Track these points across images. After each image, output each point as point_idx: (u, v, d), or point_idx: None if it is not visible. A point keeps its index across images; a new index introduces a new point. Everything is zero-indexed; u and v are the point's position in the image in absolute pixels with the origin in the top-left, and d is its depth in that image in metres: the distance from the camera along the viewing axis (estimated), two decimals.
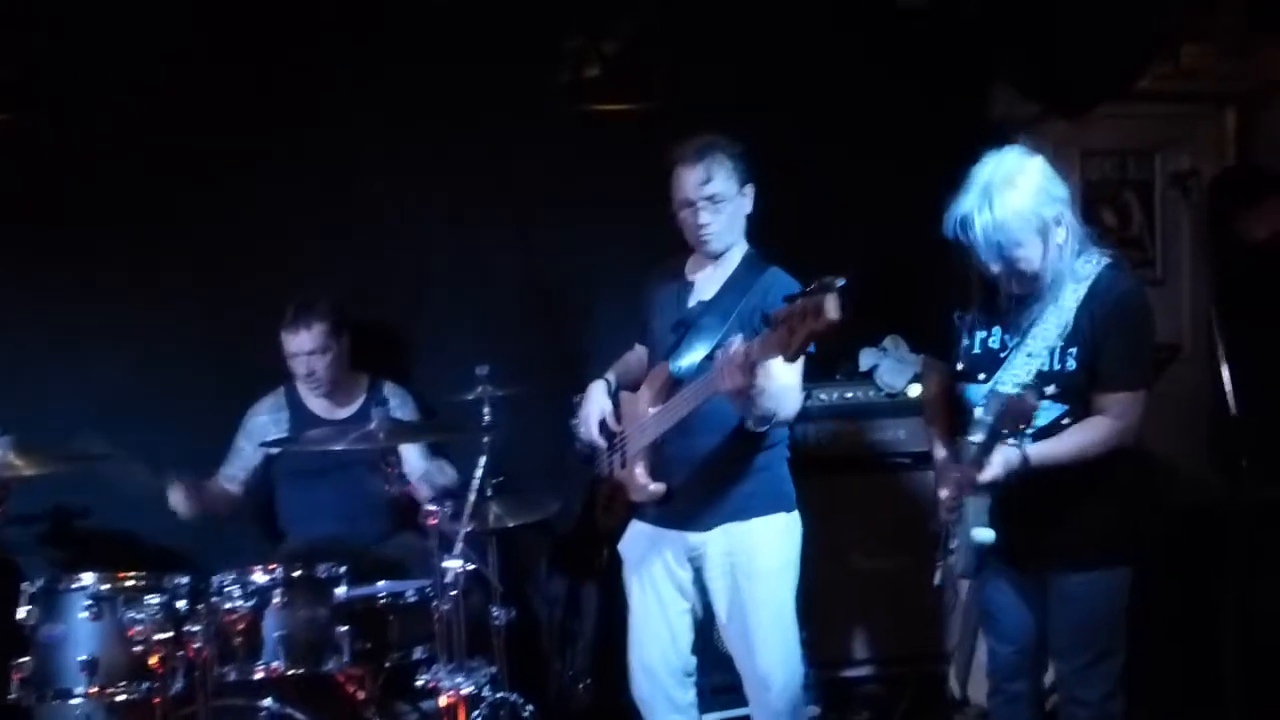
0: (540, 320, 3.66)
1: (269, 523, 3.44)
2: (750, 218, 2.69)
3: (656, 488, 2.61)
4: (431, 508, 2.59)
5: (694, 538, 2.64)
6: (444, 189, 3.63)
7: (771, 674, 2.63)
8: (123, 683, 2.46)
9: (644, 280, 2.85)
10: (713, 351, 2.54)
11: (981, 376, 2.41)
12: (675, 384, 2.59)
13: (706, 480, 2.59)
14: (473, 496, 2.73)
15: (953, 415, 2.55)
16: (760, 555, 2.61)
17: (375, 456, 2.83)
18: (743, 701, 2.82)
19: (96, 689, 2.44)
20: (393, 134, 3.60)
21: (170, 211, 3.52)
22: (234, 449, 3.37)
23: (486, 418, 2.82)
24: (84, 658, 2.43)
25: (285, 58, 3.51)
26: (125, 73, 3.44)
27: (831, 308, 2.00)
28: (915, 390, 3.42)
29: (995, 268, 2.29)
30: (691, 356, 2.59)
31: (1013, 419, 2.19)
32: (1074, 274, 2.31)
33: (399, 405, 3.32)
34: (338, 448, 2.66)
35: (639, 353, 2.87)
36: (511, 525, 2.92)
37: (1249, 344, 2.66)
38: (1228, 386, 2.51)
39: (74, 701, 2.48)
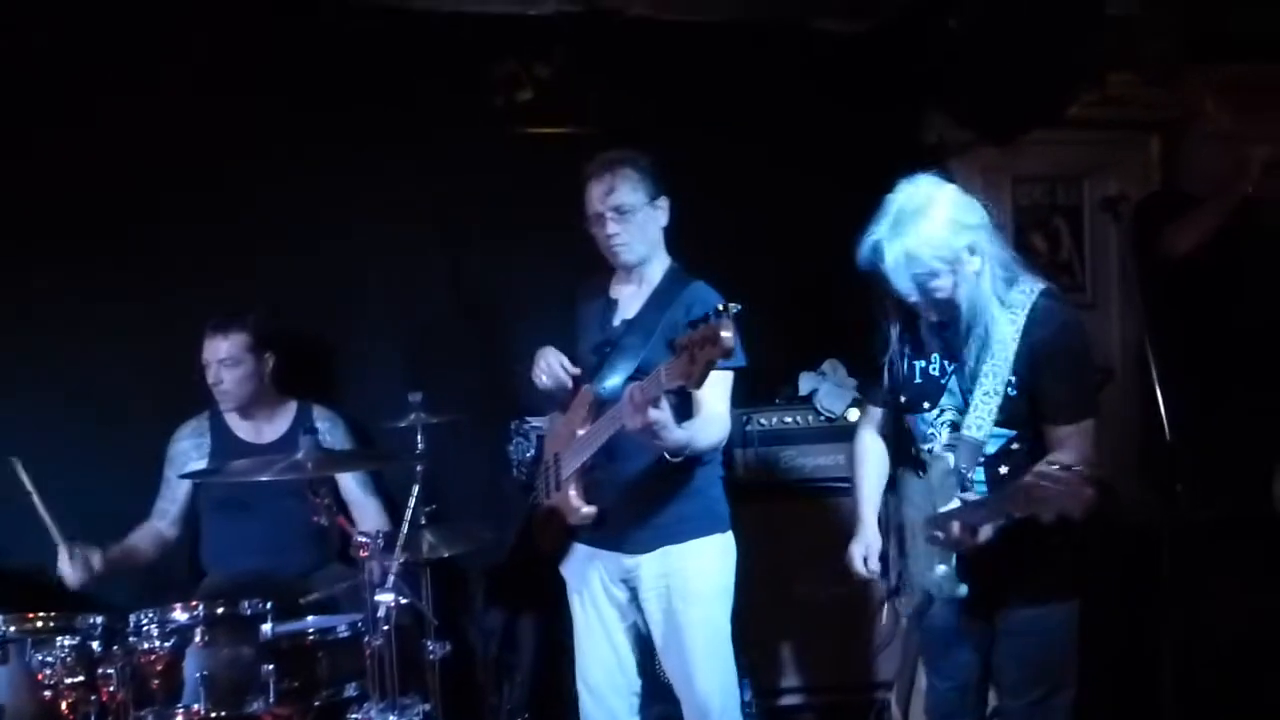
0: (474, 346, 3.60)
1: (191, 558, 3.31)
2: (669, 232, 2.69)
3: (588, 511, 2.58)
4: (363, 539, 2.51)
5: (628, 560, 2.62)
6: (377, 212, 3.55)
7: (710, 698, 2.60)
8: None
9: (571, 297, 2.83)
10: (634, 372, 2.54)
11: (926, 405, 2.40)
12: (600, 405, 2.58)
13: (637, 503, 2.58)
14: (405, 527, 2.65)
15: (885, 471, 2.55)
16: (696, 577, 2.59)
17: (304, 486, 2.73)
18: None
19: None
20: (324, 156, 3.51)
21: (102, 234, 3.41)
22: (163, 481, 3.25)
23: (420, 445, 2.75)
24: None
25: (211, 84, 3.43)
26: (67, 94, 3.34)
27: (727, 335, 2.02)
28: (854, 414, 3.42)
29: (911, 296, 2.28)
30: (614, 378, 2.58)
31: (1027, 502, 2.13)
32: (1006, 301, 2.29)
33: (329, 430, 3.24)
34: (263, 479, 2.55)
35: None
36: (446, 555, 2.84)
37: (1181, 366, 2.70)
38: (1162, 410, 2.53)
39: None
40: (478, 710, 3.35)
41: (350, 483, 3.25)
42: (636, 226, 2.61)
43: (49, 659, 2.32)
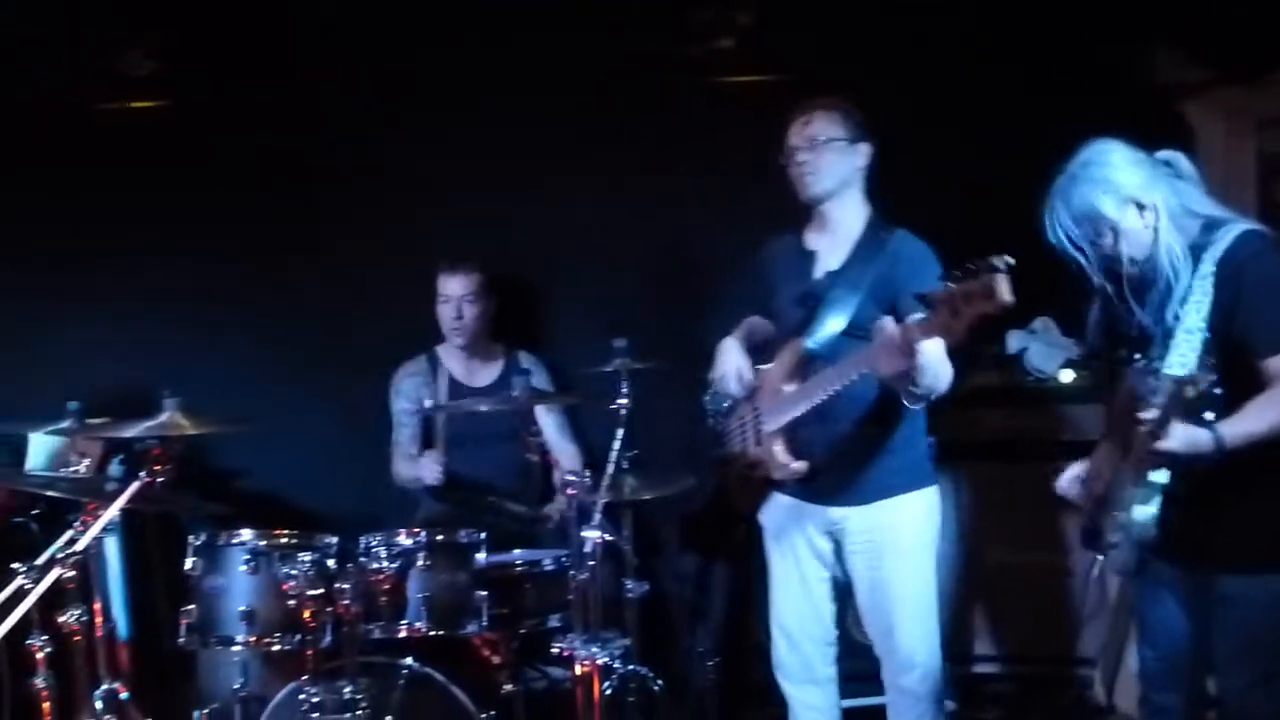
0: (675, 295, 3.64)
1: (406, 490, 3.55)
2: (872, 182, 2.63)
3: (798, 466, 2.57)
4: (571, 478, 2.62)
5: (835, 512, 2.62)
6: (578, 161, 3.64)
7: (913, 654, 2.59)
8: (277, 634, 2.57)
9: (761, 251, 2.81)
10: (848, 326, 2.50)
11: (1137, 357, 2.30)
12: (810, 360, 2.54)
13: (847, 458, 2.56)
14: (610, 468, 2.74)
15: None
16: (903, 532, 2.57)
17: (516, 424, 2.88)
18: (876, 690, 2.78)
19: (254, 638, 2.56)
20: (529, 107, 3.63)
21: (306, 189, 3.66)
22: (396, 417, 3.45)
23: (623, 390, 2.83)
24: (243, 608, 2.55)
25: (418, 31, 3.58)
26: (257, 56, 3.58)
27: (1004, 290, 1.94)
28: (1067, 375, 3.28)
29: (1085, 256, 2.22)
30: (825, 331, 2.54)
31: (1182, 401, 2.08)
32: (1199, 245, 2.18)
33: (536, 375, 3.37)
34: (483, 409, 2.70)
35: (761, 321, 2.83)
36: (646, 498, 2.93)
37: None
38: None
39: (234, 649, 2.61)
40: (671, 650, 3.43)
41: (551, 428, 3.38)
42: (828, 160, 2.57)
43: (293, 572, 2.53)
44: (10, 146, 3.59)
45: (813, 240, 2.70)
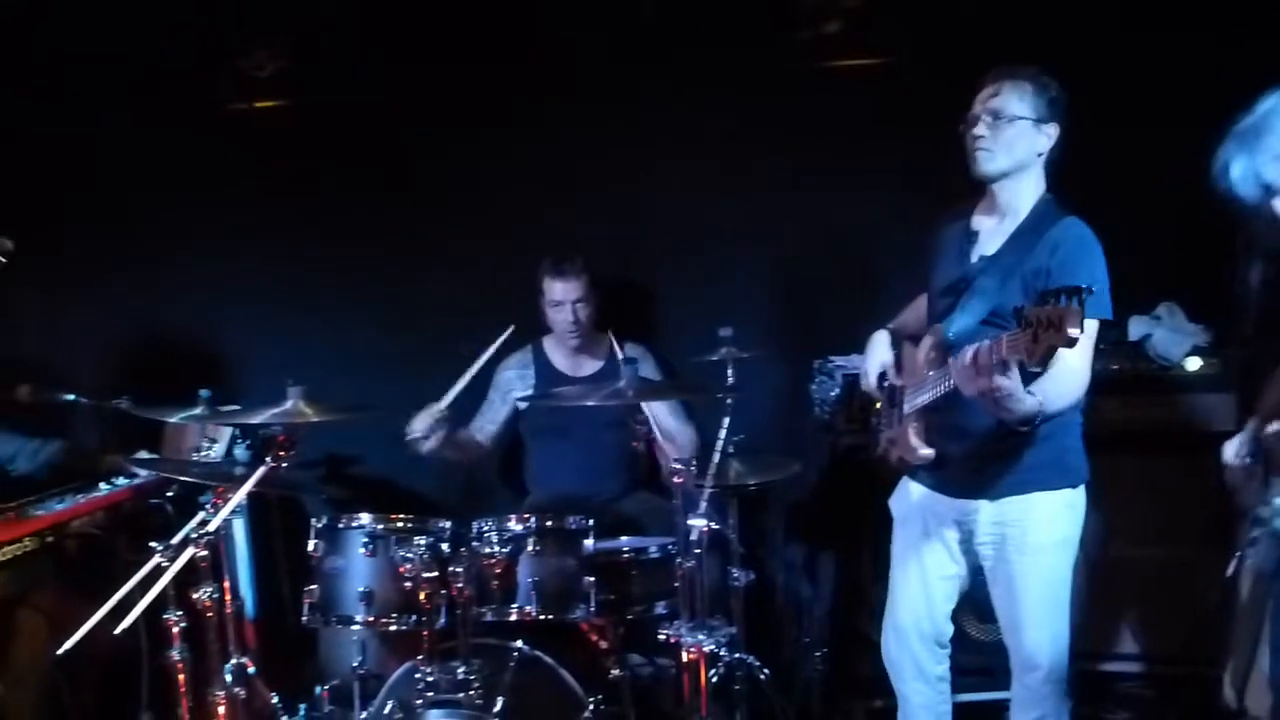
0: (782, 283, 3.62)
1: (514, 478, 3.61)
2: (1051, 165, 2.47)
3: (926, 453, 2.48)
4: (678, 465, 2.63)
5: (966, 504, 2.52)
6: (684, 150, 3.65)
7: (1038, 651, 2.50)
8: (394, 614, 2.65)
9: (935, 229, 2.66)
10: (988, 316, 2.39)
11: None
12: (949, 348, 2.41)
13: (984, 449, 2.44)
14: (717, 456, 2.74)
15: None
16: (1036, 530, 2.45)
17: (624, 413, 2.90)
18: (994, 685, 2.72)
19: (373, 618, 2.65)
20: (635, 97, 3.65)
21: (420, 184, 3.75)
22: (485, 401, 3.53)
23: (730, 378, 2.82)
24: (362, 589, 2.64)
25: (528, 29, 3.63)
26: (374, 56, 3.68)
27: (1073, 331, 1.83)
28: (1193, 364, 3.13)
29: (1260, 216, 2.07)
30: (965, 320, 2.43)
31: None
32: None
33: (643, 364, 3.38)
34: (590, 403, 2.73)
35: (921, 307, 2.73)
36: (752, 484, 2.92)
37: None
38: None
39: (354, 628, 2.71)
40: (776, 640, 3.42)
41: (662, 411, 3.39)
42: (1007, 138, 2.40)
43: (409, 555, 2.61)
44: (144, 145, 3.78)
45: (979, 221, 2.56)
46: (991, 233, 2.52)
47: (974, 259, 2.52)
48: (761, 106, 3.58)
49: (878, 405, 2.74)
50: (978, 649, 2.99)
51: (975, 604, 2.82)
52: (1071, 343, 1.85)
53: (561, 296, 3.37)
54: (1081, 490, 2.49)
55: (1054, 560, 2.48)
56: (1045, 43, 3.36)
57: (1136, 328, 3.24)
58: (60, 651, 2.46)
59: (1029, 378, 2.17)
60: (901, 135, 3.37)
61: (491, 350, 3.08)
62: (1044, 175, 2.48)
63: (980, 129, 2.41)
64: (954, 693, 2.74)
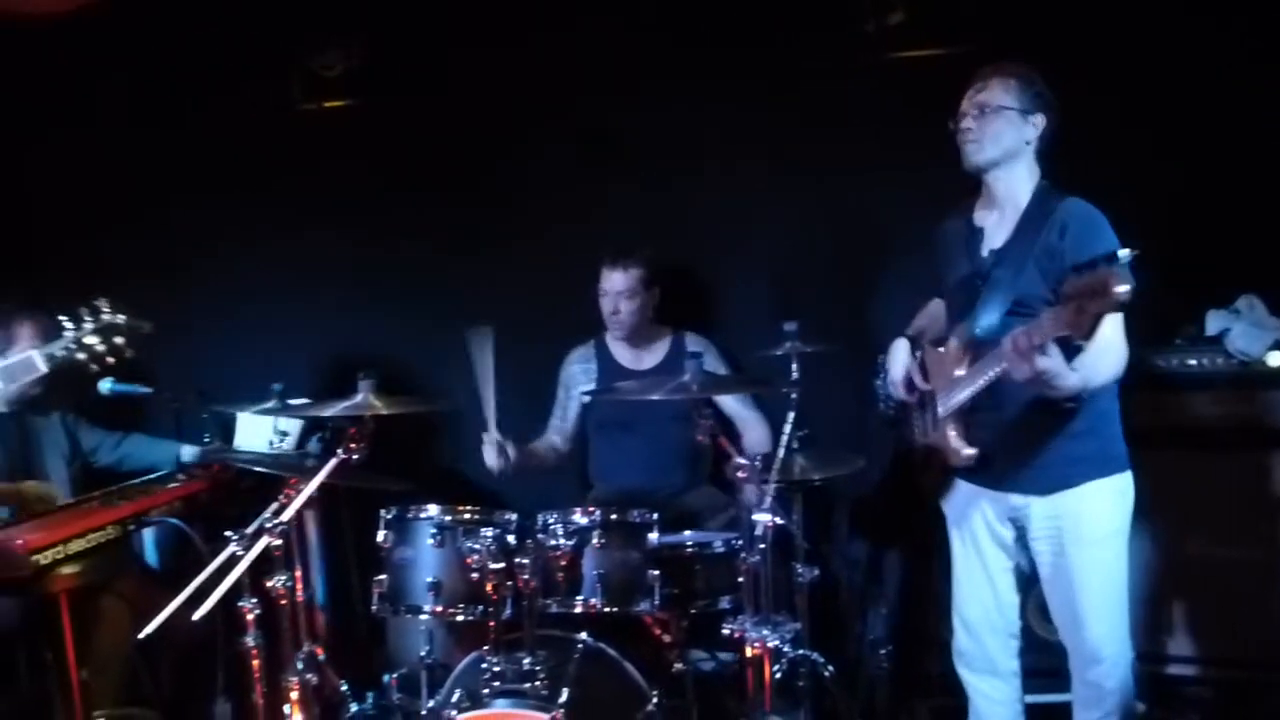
0: (846, 277, 3.59)
1: (577, 472, 3.63)
2: (1041, 155, 2.51)
3: (969, 453, 2.50)
4: (742, 460, 2.62)
5: (1016, 500, 2.53)
6: (749, 145, 3.64)
7: (1100, 645, 2.47)
8: (461, 605, 2.69)
9: (933, 230, 2.72)
10: (1011, 306, 2.40)
11: None
12: (977, 345, 2.46)
13: (1027, 443, 2.46)
14: (781, 451, 2.73)
15: None
16: (1089, 521, 2.45)
17: (688, 407, 2.89)
18: (1060, 687, 2.67)
19: (440, 608, 2.68)
20: (699, 90, 3.65)
21: (485, 179, 3.79)
22: (556, 399, 3.57)
23: (794, 373, 2.81)
24: (430, 579, 2.68)
25: (590, 24, 3.67)
26: (437, 57, 3.75)
27: (1121, 289, 1.84)
28: (1275, 359, 3.04)
29: None
30: (989, 315, 2.45)
31: None
32: None
33: (707, 357, 3.37)
34: (654, 398, 2.74)
35: (941, 305, 2.76)
36: (817, 480, 2.90)
37: None
38: None
39: (422, 617, 2.75)
40: (841, 637, 3.41)
41: (732, 400, 3.40)
42: (994, 129, 2.46)
43: (476, 546, 2.64)
44: (218, 145, 3.89)
45: (981, 216, 2.60)
46: (995, 226, 2.54)
47: (983, 254, 2.54)
48: (828, 99, 3.55)
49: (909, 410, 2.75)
50: (1043, 649, 2.94)
51: (1039, 602, 2.78)
52: (1121, 304, 1.88)
53: (607, 287, 3.40)
54: (1129, 476, 2.48)
55: (1111, 551, 2.47)
56: (1108, 32, 3.32)
57: (1215, 322, 3.16)
58: (140, 636, 2.54)
59: (1070, 356, 2.23)
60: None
61: (488, 359, 3.01)
62: (1037, 165, 2.51)
63: (967, 122, 2.48)
64: None
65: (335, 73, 3.77)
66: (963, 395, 2.47)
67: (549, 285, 3.75)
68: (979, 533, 2.62)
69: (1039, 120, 2.48)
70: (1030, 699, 2.80)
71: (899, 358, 2.72)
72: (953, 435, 2.52)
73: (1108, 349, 2.32)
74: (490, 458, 3.13)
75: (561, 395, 3.56)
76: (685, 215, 3.69)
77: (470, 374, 2.98)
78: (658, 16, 3.63)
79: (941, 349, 2.65)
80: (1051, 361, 2.16)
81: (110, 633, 2.99)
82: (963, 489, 2.65)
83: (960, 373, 2.50)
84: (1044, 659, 2.91)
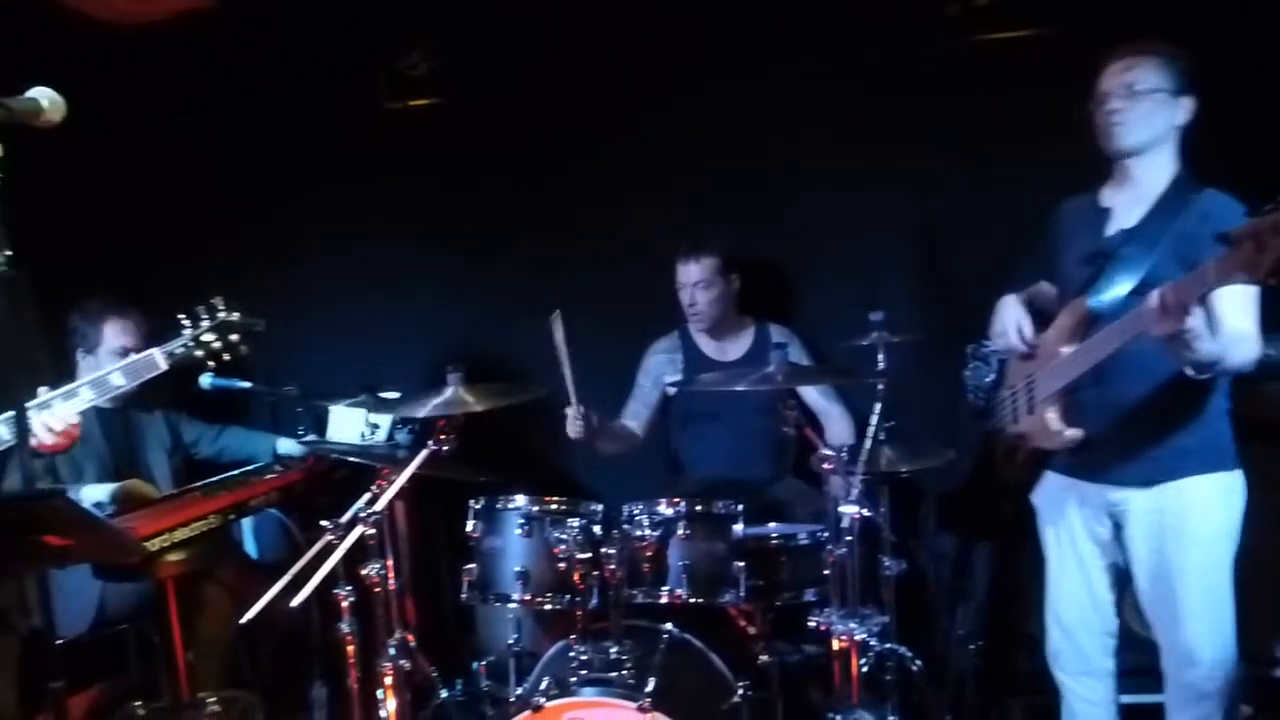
0: (932, 265, 3.53)
1: (662, 463, 3.64)
2: (1185, 139, 2.40)
3: (1072, 434, 2.41)
4: (828, 452, 2.60)
5: (1115, 493, 2.44)
6: (834, 129, 3.60)
7: (1198, 648, 2.37)
8: (549, 593, 2.72)
9: (1051, 212, 2.63)
10: (1139, 285, 2.31)
11: None
12: (1093, 321, 2.37)
13: (1131, 431, 2.37)
14: (868, 443, 2.70)
15: None
16: (1194, 518, 2.35)
17: (773, 399, 2.88)
18: (1157, 687, 2.58)
19: (528, 597, 2.72)
20: (781, 77, 3.62)
21: (571, 174, 3.82)
22: (636, 386, 3.58)
23: (881, 363, 2.78)
24: (518, 568, 2.72)
25: (677, 16, 3.65)
26: (518, 54, 3.79)
27: None
28: None
29: None
30: (1113, 291, 2.36)
31: None
32: None
33: (792, 347, 3.36)
34: (739, 389, 2.73)
35: (1044, 287, 2.66)
36: (904, 472, 2.86)
37: None
38: None
39: (510, 606, 2.79)
40: (929, 631, 3.34)
41: (815, 393, 3.37)
42: (1144, 111, 2.35)
43: (563, 536, 2.67)
44: (310, 143, 3.99)
45: (1109, 197, 2.50)
46: (1127, 206, 2.44)
47: (1110, 232, 2.45)
48: (911, 83, 3.49)
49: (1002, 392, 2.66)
50: (1140, 647, 2.85)
51: (1137, 599, 2.69)
52: None
53: (683, 280, 3.40)
54: (1240, 475, 2.38)
55: (1216, 550, 2.36)
56: (1199, 11, 3.19)
57: None
58: (241, 622, 2.63)
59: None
60: (1055, 111, 3.23)
61: (562, 339, 3.05)
62: (1179, 150, 2.41)
63: (1115, 103, 2.36)
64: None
65: (419, 72, 3.85)
66: (1073, 373, 2.38)
67: (632, 278, 3.75)
68: (1074, 527, 2.54)
69: (1187, 103, 2.38)
70: (1126, 699, 2.72)
71: (1009, 308, 2.61)
72: (1053, 417, 2.43)
73: (1243, 336, 2.24)
74: (573, 428, 3.15)
75: (644, 383, 3.57)
76: (768, 206, 3.66)
77: (553, 361, 3.02)
78: (739, 6, 3.61)
79: (1042, 332, 2.56)
80: (1196, 321, 2.07)
81: (213, 618, 3.10)
82: (1056, 482, 2.57)
83: (1067, 350, 2.42)
84: (1141, 658, 2.83)
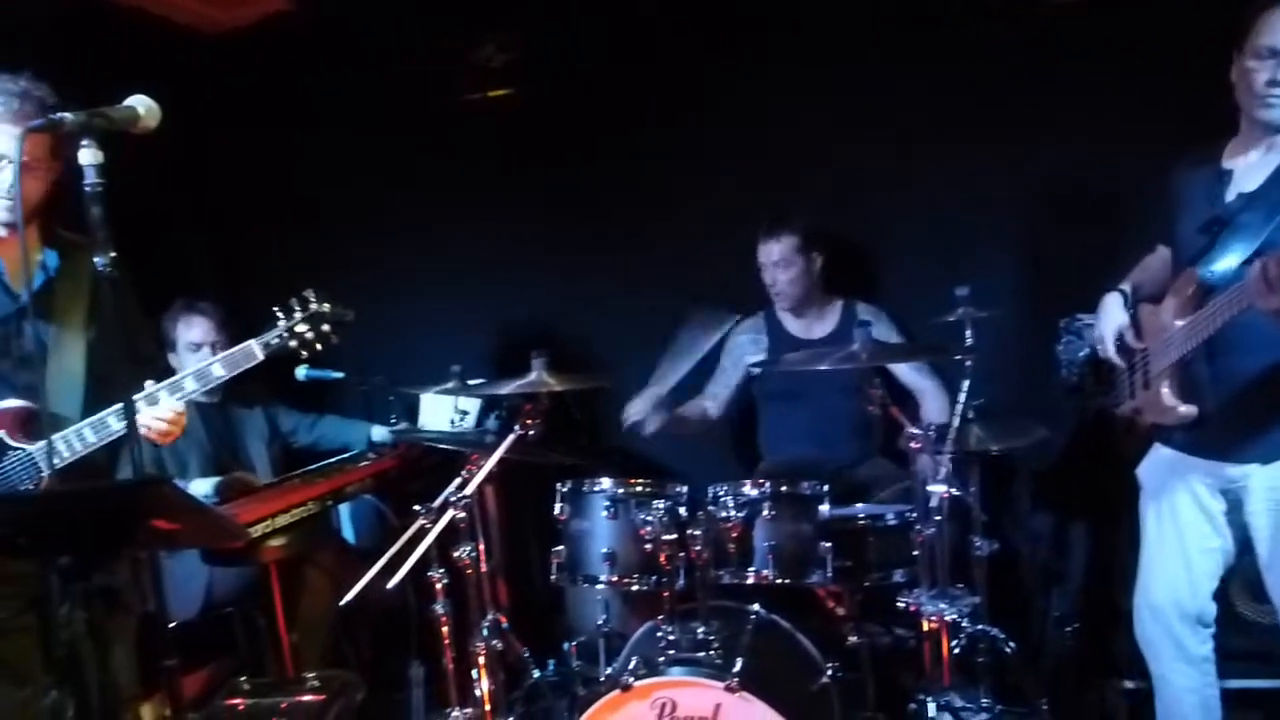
0: (1022, 238, 3.44)
1: (745, 443, 3.64)
2: None
3: (1187, 410, 2.31)
4: (916, 431, 2.56)
5: (1234, 469, 2.33)
6: (914, 105, 3.52)
7: None
8: (636, 575, 2.74)
9: (1171, 173, 2.48)
10: (1252, 255, 2.19)
11: None
12: (1206, 292, 2.26)
13: (1251, 405, 2.26)
14: (956, 420, 2.66)
15: None
16: None
17: (859, 378, 2.85)
18: (1270, 672, 2.49)
19: (616, 578, 2.75)
20: (864, 52, 3.57)
21: (649, 157, 3.83)
22: (718, 368, 3.57)
23: (968, 339, 2.72)
24: (605, 550, 2.75)
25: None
26: (591, 44, 3.80)
27: None
28: None
29: None
30: (1227, 260, 2.24)
31: None
32: None
33: (877, 325, 3.32)
34: (822, 368, 2.71)
35: (1161, 255, 2.53)
36: (994, 450, 2.81)
37: None
38: None
39: (598, 587, 2.83)
40: (1024, 613, 3.28)
41: (908, 370, 3.33)
42: None
43: (648, 518, 2.68)
44: (390, 136, 4.08)
45: (1231, 160, 2.36)
46: (1250, 170, 2.31)
47: (1229, 198, 2.32)
48: (996, 51, 3.40)
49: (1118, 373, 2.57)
50: (1250, 631, 2.75)
51: (1248, 580, 2.61)
52: None
53: (764, 260, 3.39)
54: None
55: None
56: None
57: None
58: (340, 604, 2.72)
59: None
60: (1147, 79, 3.12)
61: (716, 337, 3.09)
62: None
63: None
64: (1221, 678, 2.53)
65: (497, 63, 3.89)
66: (1185, 346, 2.29)
67: (714, 259, 3.75)
68: (1180, 506, 2.44)
69: None
70: (1234, 684, 2.63)
71: (1111, 313, 2.52)
72: (1167, 393, 2.34)
73: None
74: (638, 407, 3.18)
75: (726, 364, 3.56)
76: (852, 182, 3.61)
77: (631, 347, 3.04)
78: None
79: (1157, 304, 2.46)
80: None
81: (314, 601, 3.21)
82: (1167, 458, 2.46)
83: (1181, 323, 2.32)
84: (1253, 642, 2.74)
